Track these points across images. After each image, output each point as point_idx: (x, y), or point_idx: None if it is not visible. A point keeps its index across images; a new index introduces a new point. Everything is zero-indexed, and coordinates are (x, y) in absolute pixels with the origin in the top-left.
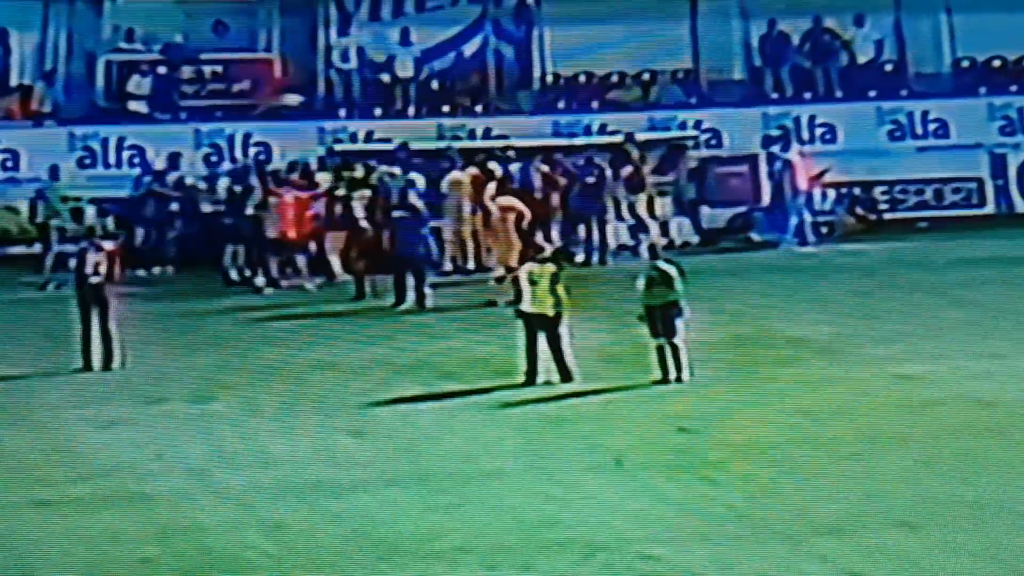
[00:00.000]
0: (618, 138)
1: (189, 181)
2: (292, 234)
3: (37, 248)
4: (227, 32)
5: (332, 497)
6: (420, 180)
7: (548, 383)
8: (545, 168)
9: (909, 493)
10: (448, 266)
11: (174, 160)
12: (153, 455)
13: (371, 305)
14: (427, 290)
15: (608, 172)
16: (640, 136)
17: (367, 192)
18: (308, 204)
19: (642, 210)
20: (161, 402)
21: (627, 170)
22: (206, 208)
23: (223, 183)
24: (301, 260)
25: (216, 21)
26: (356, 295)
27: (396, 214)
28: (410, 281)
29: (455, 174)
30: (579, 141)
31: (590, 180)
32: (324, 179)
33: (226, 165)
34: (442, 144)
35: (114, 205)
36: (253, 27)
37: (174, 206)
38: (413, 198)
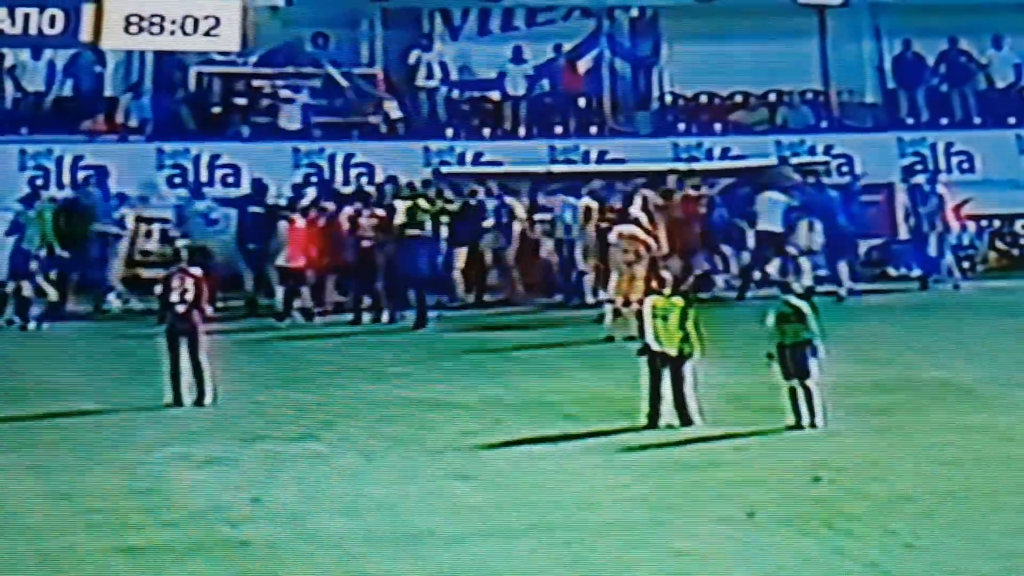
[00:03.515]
0: (769, 160)
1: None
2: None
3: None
4: (328, 44)
5: (442, 547)
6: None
7: (670, 426)
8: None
9: None
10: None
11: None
12: (249, 498)
13: (479, 339)
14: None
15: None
16: (767, 160)
17: (379, 211)
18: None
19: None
20: (258, 440)
21: None
22: None
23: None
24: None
25: (316, 32)
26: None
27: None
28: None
29: (584, 201)
30: (721, 165)
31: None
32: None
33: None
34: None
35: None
36: (355, 39)
37: None
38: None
